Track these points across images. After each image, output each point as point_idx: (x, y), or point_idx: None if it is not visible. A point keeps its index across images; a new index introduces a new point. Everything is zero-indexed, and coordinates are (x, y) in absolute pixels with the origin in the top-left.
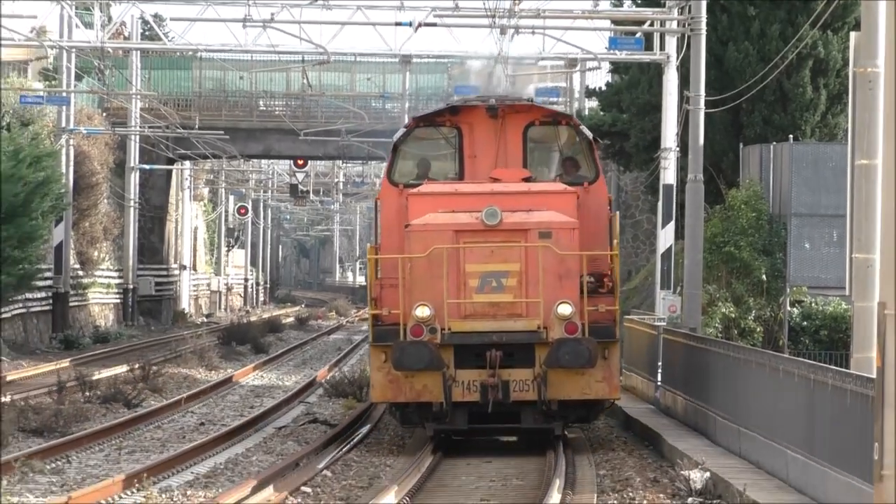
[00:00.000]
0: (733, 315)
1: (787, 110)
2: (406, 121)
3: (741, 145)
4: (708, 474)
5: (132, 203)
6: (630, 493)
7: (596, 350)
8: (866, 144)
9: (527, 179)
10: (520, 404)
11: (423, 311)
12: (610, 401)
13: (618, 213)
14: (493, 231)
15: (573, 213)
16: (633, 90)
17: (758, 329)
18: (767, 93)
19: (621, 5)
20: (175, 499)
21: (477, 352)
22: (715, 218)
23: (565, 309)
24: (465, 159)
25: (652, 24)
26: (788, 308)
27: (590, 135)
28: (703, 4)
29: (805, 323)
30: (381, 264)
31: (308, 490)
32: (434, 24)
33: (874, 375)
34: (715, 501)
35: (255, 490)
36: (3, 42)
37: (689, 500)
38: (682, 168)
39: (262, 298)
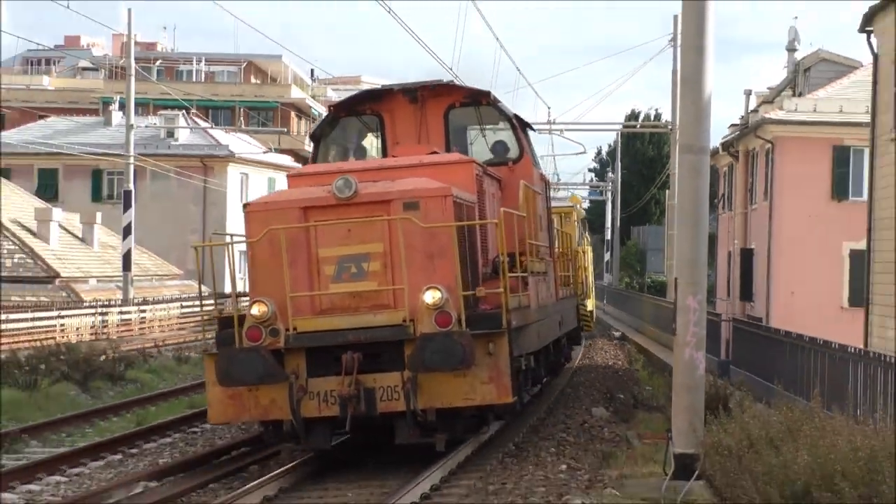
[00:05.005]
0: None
1: None
2: None
3: None
4: (622, 332)
5: None
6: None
7: (472, 346)
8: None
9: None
10: (391, 416)
11: (259, 309)
12: (509, 405)
13: (541, 195)
14: (349, 205)
15: (471, 186)
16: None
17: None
18: None
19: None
20: None
21: (336, 355)
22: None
23: (433, 295)
24: (389, 147)
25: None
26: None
27: (511, 112)
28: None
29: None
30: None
31: None
32: None
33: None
34: (624, 342)
35: None
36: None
37: (614, 341)
38: None
39: None
